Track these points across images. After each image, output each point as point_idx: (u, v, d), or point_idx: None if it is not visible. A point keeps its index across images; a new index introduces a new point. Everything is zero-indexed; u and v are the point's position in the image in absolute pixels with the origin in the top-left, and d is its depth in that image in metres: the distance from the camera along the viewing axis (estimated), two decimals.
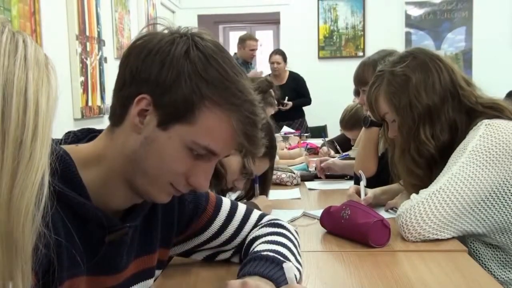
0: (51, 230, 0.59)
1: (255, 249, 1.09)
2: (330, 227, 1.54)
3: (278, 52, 5.71)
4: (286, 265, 0.93)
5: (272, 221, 1.22)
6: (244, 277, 0.96)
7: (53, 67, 0.61)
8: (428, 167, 1.54)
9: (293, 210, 1.86)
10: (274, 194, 2.08)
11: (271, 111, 2.97)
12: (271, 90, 2.93)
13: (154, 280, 1.10)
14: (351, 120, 2.97)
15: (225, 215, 1.18)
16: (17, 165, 0.51)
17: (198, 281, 1.16)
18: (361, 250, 1.37)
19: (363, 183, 1.84)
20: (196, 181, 0.89)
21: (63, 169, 0.80)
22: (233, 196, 1.88)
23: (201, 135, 0.85)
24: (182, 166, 0.87)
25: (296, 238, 1.19)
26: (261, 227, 1.20)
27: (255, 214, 1.24)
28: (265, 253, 1.04)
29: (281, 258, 1.02)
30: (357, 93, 2.83)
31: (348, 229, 1.44)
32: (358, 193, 1.85)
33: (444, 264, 1.24)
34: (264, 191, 1.86)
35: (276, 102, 3.20)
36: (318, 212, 1.61)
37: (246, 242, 1.18)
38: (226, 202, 1.20)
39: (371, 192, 1.84)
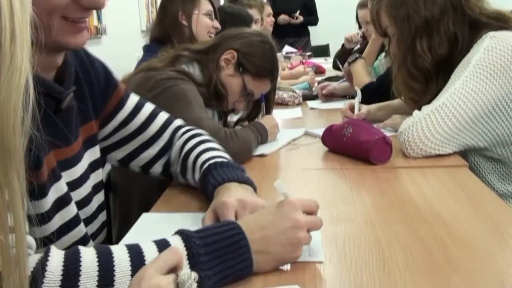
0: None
1: (202, 158, 1.14)
2: (331, 145, 1.54)
3: None
4: (277, 183, 0.89)
5: (192, 131, 1.26)
6: (223, 184, 1.01)
7: None
8: (425, 81, 1.54)
9: (294, 129, 1.86)
10: (276, 113, 2.07)
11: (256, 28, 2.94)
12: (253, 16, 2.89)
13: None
14: None
15: (135, 101, 1.19)
16: None
17: (198, 199, 1.18)
18: (363, 167, 1.38)
19: (357, 99, 1.83)
20: None
21: None
22: (235, 117, 1.87)
23: None
24: None
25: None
26: (187, 139, 1.22)
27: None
28: (219, 160, 1.11)
29: (233, 163, 1.12)
30: None
31: (350, 146, 1.45)
32: (352, 109, 1.84)
33: (445, 179, 1.25)
34: (267, 112, 1.85)
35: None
36: (320, 131, 1.61)
37: (182, 155, 1.20)
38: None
39: (365, 108, 1.83)
